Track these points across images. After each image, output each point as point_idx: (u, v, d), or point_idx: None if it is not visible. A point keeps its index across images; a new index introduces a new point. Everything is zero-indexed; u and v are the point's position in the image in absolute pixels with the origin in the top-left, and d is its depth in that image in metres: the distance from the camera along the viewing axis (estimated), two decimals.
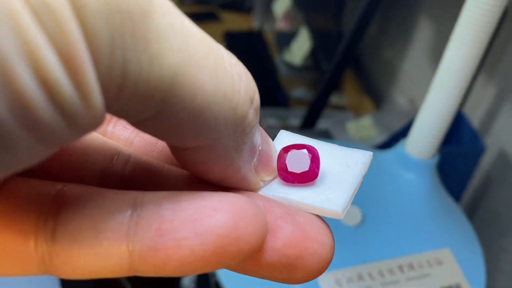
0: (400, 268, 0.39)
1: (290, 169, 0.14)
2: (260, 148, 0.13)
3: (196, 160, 0.12)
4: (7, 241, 0.11)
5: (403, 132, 0.66)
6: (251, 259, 0.12)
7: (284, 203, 0.13)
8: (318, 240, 0.12)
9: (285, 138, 0.15)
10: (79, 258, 0.11)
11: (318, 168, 0.14)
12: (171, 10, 0.10)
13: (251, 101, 0.11)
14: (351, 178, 0.14)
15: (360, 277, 0.38)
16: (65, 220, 0.11)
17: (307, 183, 0.14)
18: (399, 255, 0.40)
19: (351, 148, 0.15)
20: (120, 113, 0.10)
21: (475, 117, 0.67)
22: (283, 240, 0.12)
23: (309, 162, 0.14)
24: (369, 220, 0.41)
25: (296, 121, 0.84)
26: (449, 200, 0.45)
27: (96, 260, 0.11)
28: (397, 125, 0.78)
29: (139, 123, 0.10)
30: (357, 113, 0.87)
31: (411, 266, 0.40)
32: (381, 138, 0.79)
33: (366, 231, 0.41)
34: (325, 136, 0.53)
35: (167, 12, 0.09)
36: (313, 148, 0.14)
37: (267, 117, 0.84)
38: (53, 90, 0.08)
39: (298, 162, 0.14)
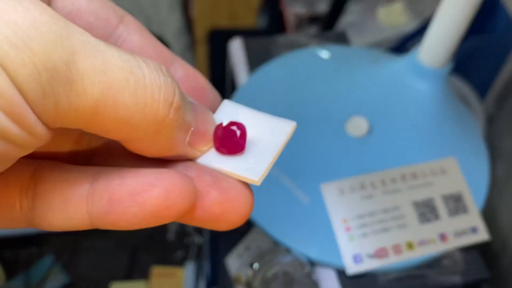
0: (403, 177, 0.41)
1: (222, 143, 0.17)
2: (193, 128, 0.16)
3: (133, 148, 0.15)
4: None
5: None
6: (187, 215, 0.15)
7: (215, 170, 0.17)
8: (239, 200, 0.16)
9: (227, 108, 0.18)
10: (53, 219, 0.15)
11: (244, 142, 0.17)
12: (92, 53, 0.12)
13: (171, 104, 0.14)
14: (273, 147, 0.17)
15: (362, 186, 0.40)
16: (40, 192, 0.15)
17: (236, 154, 0.17)
18: (403, 165, 0.41)
19: (279, 118, 0.18)
20: (62, 127, 0.13)
21: None
22: (210, 202, 0.15)
23: (237, 138, 0.17)
24: (376, 131, 0.42)
25: (323, 7, 0.80)
26: (462, 110, 0.45)
27: (65, 220, 0.15)
28: (430, 10, 0.74)
29: (79, 129, 0.14)
30: None
31: (414, 175, 0.41)
32: (413, 24, 0.75)
33: (372, 142, 0.42)
34: (341, 39, 0.52)
35: (89, 55, 0.12)
36: (242, 125, 0.17)
37: (293, 3, 0.81)
38: (6, 136, 0.11)
39: (229, 137, 0.17)
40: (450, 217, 0.40)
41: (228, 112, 0.18)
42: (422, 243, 0.39)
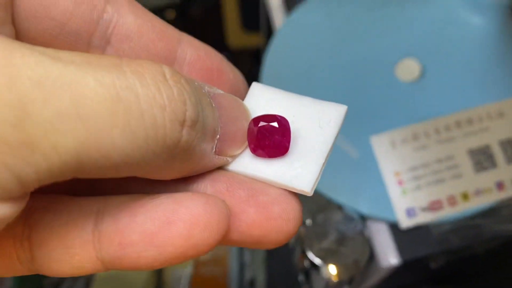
0: (458, 124, 0.38)
1: (259, 144, 0.13)
2: (218, 135, 0.13)
3: (145, 176, 0.12)
4: None
5: None
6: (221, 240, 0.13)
7: (251, 180, 0.13)
8: (282, 217, 0.13)
9: (257, 92, 0.15)
10: (58, 269, 0.12)
11: (288, 142, 0.13)
12: (54, 92, 0.09)
13: (182, 124, 0.11)
14: (322, 143, 0.14)
15: (415, 137, 0.38)
16: (37, 241, 0.12)
17: (277, 157, 0.14)
18: (458, 111, 0.38)
19: (324, 102, 0.14)
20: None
21: None
22: (247, 223, 0.13)
23: (279, 136, 0.13)
24: (429, 74, 0.39)
25: None
26: None
27: (73, 268, 0.12)
28: None
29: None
30: None
31: (469, 121, 0.38)
32: None
33: (424, 86, 0.39)
34: None
35: (49, 98, 0.09)
36: (284, 119, 0.13)
37: None
38: None
39: (268, 136, 0.13)
40: (508, 164, 0.38)
41: (260, 98, 0.14)
42: (478, 192, 0.38)
